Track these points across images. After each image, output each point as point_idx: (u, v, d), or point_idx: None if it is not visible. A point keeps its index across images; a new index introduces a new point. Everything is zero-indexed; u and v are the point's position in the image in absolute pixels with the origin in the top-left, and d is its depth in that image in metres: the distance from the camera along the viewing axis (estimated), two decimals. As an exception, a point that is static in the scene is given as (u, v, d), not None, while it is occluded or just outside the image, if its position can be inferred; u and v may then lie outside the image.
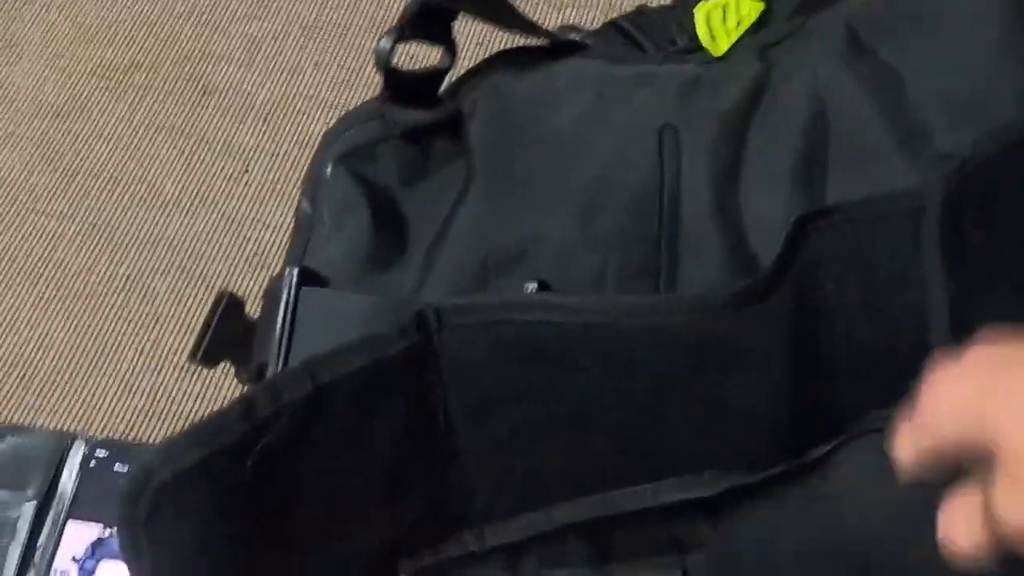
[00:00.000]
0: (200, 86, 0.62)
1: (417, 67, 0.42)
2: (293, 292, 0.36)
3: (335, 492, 0.30)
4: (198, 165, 0.60)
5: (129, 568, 0.29)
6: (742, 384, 0.33)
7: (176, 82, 0.62)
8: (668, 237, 0.38)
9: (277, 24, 0.64)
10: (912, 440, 0.28)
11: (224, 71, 0.63)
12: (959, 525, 0.26)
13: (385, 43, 0.38)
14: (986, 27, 0.37)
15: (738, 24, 0.46)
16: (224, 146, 0.60)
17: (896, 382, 0.35)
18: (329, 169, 0.39)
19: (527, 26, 0.44)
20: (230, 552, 0.29)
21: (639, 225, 0.38)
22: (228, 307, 0.39)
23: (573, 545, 0.39)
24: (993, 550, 0.25)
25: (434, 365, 0.31)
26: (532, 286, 0.35)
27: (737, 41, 0.46)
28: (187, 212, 0.59)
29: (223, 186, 0.59)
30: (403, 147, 0.40)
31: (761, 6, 0.46)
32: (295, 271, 0.36)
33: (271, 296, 0.37)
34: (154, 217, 0.59)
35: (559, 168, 0.39)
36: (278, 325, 0.36)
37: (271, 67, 0.62)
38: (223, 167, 0.60)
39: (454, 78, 0.44)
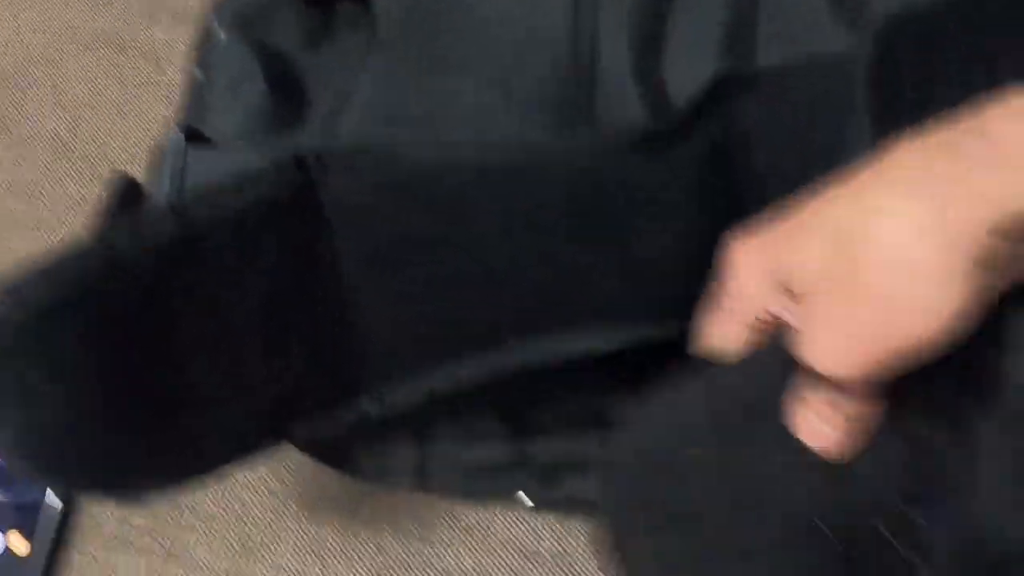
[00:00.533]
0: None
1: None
2: (179, 154, 0.34)
3: (215, 339, 0.28)
4: (108, 67, 0.57)
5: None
6: (650, 231, 0.32)
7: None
8: (586, 104, 0.36)
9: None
10: (722, 320, 0.28)
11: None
12: (809, 423, 0.27)
13: None
14: None
15: None
16: (136, 46, 0.57)
17: None
18: (222, 35, 0.37)
19: None
20: (103, 401, 0.27)
21: (557, 89, 0.36)
22: (125, 190, 0.36)
23: (488, 422, 0.38)
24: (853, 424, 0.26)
25: (318, 209, 0.29)
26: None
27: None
28: (99, 114, 0.56)
29: (135, 89, 0.56)
30: (302, 9, 0.38)
31: None
32: (180, 131, 0.34)
33: (155, 163, 0.35)
34: (64, 121, 0.56)
35: (472, 31, 0.37)
36: (165, 190, 0.33)
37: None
38: (136, 68, 0.57)
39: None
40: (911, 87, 0.32)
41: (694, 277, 0.33)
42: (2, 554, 0.44)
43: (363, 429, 0.34)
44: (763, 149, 0.33)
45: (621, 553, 0.30)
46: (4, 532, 0.45)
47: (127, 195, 0.36)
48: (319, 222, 0.29)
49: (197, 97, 0.36)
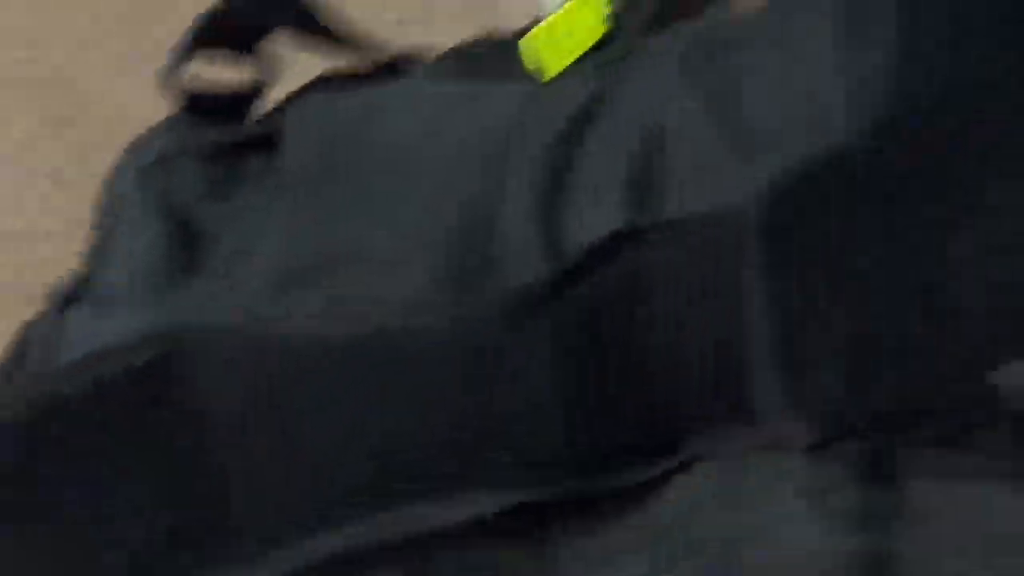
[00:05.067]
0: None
1: (228, 84, 0.41)
2: (58, 315, 0.35)
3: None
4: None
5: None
6: (527, 393, 0.32)
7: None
8: (486, 253, 0.37)
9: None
10: None
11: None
12: None
13: (170, 59, 0.37)
14: (819, 43, 0.37)
15: (572, 51, 0.45)
16: None
17: (732, 394, 0.33)
18: (128, 181, 0.38)
19: (362, 48, 0.44)
20: None
21: (457, 239, 0.37)
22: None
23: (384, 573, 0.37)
24: None
25: (184, 381, 0.30)
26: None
27: (574, 63, 0.45)
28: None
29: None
30: (210, 162, 0.40)
31: (603, 28, 0.46)
32: (58, 300, 0.35)
33: (25, 338, 0.36)
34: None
35: (376, 181, 0.38)
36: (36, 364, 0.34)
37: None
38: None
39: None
40: (801, 242, 0.32)
41: (580, 439, 0.33)
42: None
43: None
44: (654, 297, 0.34)
45: None
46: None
47: None
48: (184, 393, 0.30)
49: (96, 249, 0.38)
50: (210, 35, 0.38)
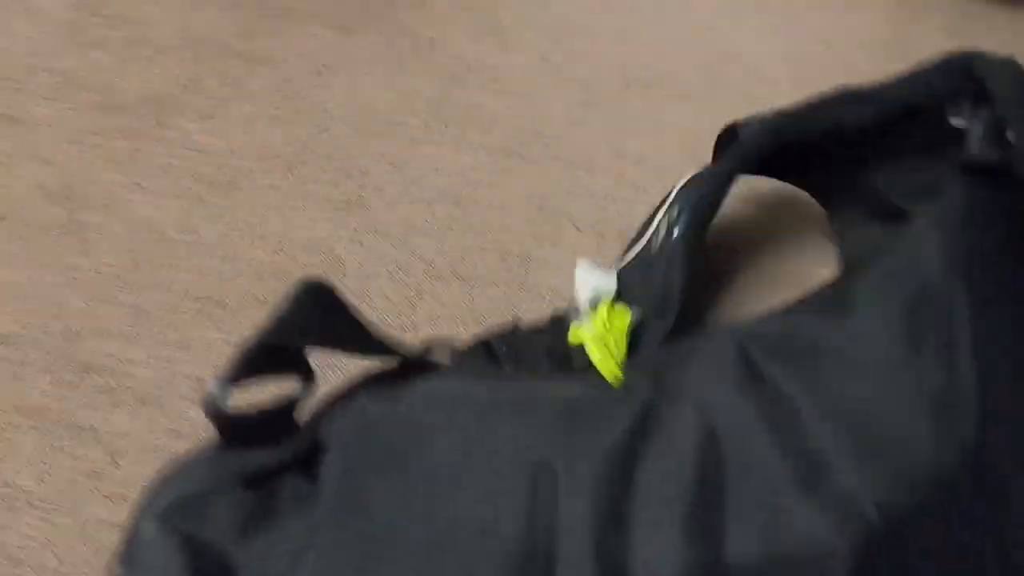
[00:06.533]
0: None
1: (264, 401, 0.39)
2: None
3: None
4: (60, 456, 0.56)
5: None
6: None
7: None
8: None
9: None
10: None
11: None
12: None
13: (215, 388, 0.36)
14: (884, 357, 0.36)
15: (615, 343, 0.46)
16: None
17: None
18: (149, 528, 0.36)
19: (389, 348, 0.43)
20: None
21: None
22: None
23: None
24: None
25: None
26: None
27: (623, 358, 0.45)
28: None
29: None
30: (243, 494, 0.37)
31: (626, 314, 0.47)
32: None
33: None
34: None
35: (415, 514, 0.36)
36: None
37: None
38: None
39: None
40: None
41: None
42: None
43: None
44: None
45: None
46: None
47: None
48: None
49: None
50: (255, 365, 0.37)
